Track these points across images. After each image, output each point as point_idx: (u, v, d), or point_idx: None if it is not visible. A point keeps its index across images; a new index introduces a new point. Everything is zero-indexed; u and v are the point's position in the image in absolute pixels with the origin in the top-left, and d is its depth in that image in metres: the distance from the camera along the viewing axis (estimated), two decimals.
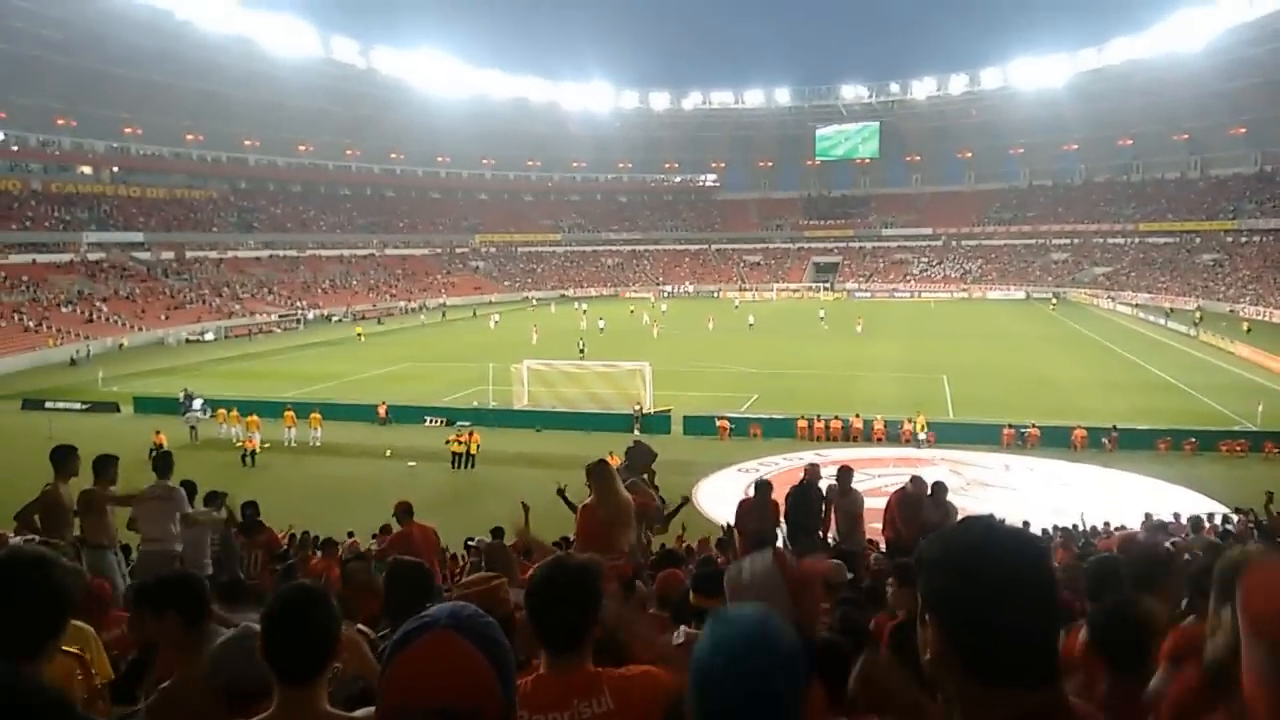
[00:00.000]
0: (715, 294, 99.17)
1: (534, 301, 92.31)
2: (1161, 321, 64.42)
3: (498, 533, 13.87)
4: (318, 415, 32.58)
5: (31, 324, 56.44)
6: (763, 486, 10.22)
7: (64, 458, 8.37)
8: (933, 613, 1.41)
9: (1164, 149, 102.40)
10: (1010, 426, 30.09)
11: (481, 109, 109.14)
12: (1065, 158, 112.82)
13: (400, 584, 4.22)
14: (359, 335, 63.58)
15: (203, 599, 3.33)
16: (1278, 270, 75.63)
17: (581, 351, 47.85)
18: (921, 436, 29.78)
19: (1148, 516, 17.00)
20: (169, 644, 3.20)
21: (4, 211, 72.12)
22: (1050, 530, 16.15)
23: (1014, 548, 1.40)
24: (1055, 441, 29.39)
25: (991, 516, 1.60)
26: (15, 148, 79.11)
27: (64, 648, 2.90)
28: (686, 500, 9.51)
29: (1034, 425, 30.09)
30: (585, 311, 72.89)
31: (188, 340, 61.38)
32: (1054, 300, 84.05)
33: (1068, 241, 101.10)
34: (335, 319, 75.21)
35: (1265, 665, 1.30)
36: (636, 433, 30.05)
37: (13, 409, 38.39)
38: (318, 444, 31.42)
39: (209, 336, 62.56)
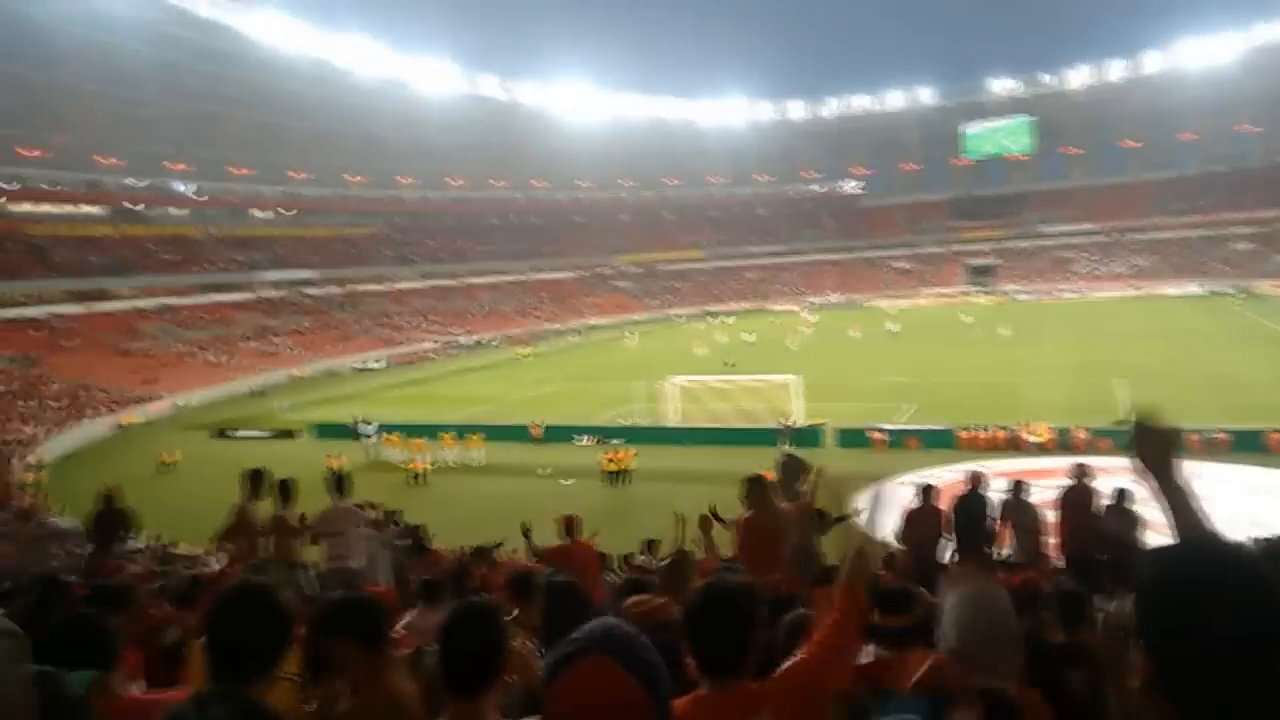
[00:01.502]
0: (862, 303, 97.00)
1: (684, 319, 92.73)
2: None
3: (651, 545, 13.96)
4: (478, 436, 33.77)
5: (216, 359, 61.02)
6: (928, 491, 9.82)
7: (254, 480, 9.03)
8: (1148, 642, 1.29)
9: None
10: (1196, 432, 27.98)
11: (619, 131, 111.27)
12: (1242, 140, 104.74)
13: (555, 603, 4.29)
14: (521, 356, 65.97)
15: (380, 622, 3.34)
16: None
17: (730, 365, 47.71)
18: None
19: None
20: (347, 668, 3.23)
21: (189, 256, 78.45)
22: (1250, 543, 14.88)
23: (1254, 582, 1.25)
24: (1247, 446, 27.14)
25: (1216, 537, 1.44)
26: (198, 197, 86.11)
27: (283, 673, 3.04)
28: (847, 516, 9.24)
29: (1222, 430, 27.89)
30: (730, 324, 72.98)
31: (356, 369, 64.86)
32: (1240, 294, 77.90)
33: (1250, 230, 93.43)
34: (491, 343, 77.85)
35: None
36: (787, 446, 29.64)
37: (203, 438, 41.49)
38: (482, 464, 32.54)
39: (375, 365, 65.91)
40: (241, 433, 41.62)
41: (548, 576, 5.64)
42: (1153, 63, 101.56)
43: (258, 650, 2.33)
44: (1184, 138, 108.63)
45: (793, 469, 8.74)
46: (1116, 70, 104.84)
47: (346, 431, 38.00)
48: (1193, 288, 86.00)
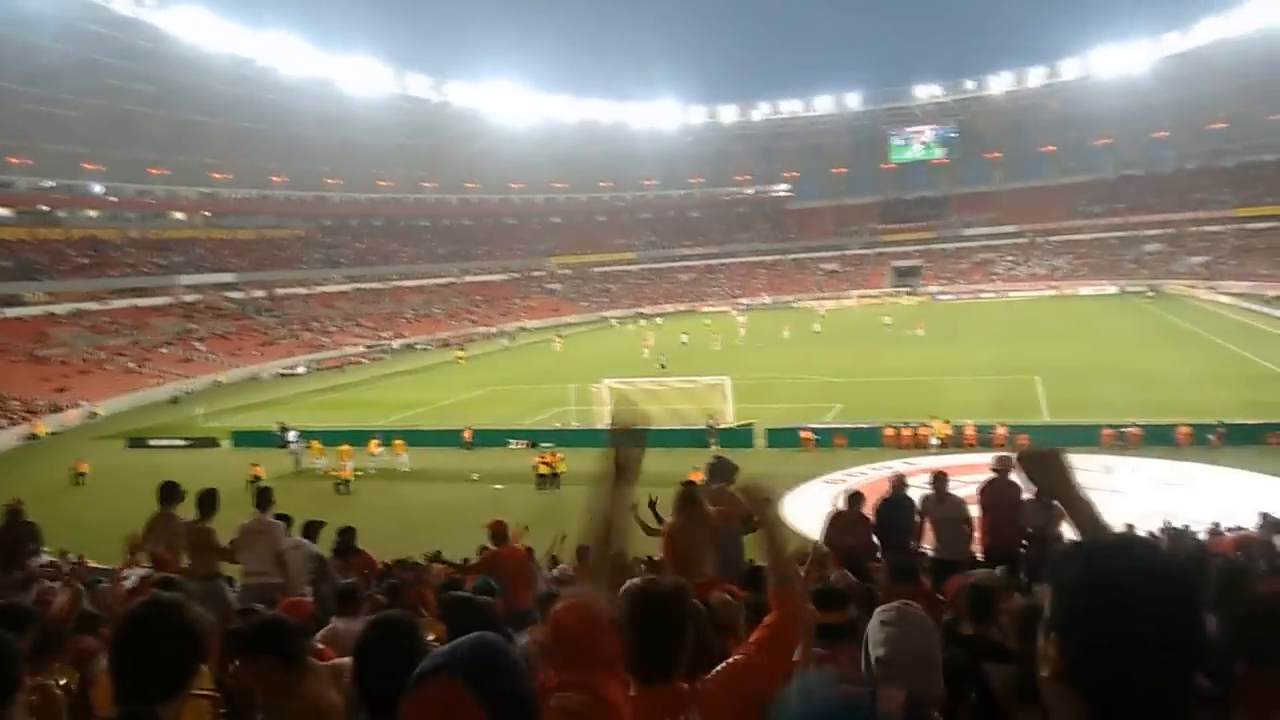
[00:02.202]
0: (793, 304, 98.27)
1: (616, 321, 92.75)
2: (1266, 310, 61.39)
3: (584, 551, 13.92)
4: (401, 442, 33.30)
5: (133, 366, 59.09)
6: (855, 498, 9.91)
7: (171, 494, 8.76)
8: (1061, 636, 1.31)
9: (1260, 130, 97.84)
10: (1110, 426, 28.97)
11: (552, 134, 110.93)
12: (1154, 145, 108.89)
13: (453, 621, 4.27)
14: (459, 359, 65.65)
15: (296, 637, 3.28)
16: None
17: (663, 366, 47.93)
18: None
19: (1264, 516, 16.14)
20: (264, 687, 3.17)
21: (104, 259, 75.87)
22: (1157, 532, 15.44)
23: (1165, 580, 1.27)
24: (1158, 440, 28.18)
25: (1138, 538, 1.47)
26: (113, 198, 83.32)
27: (197, 690, 2.93)
28: (770, 501, 9.28)
29: (1135, 424, 28.92)
30: (661, 325, 73.57)
31: (280, 374, 63.43)
32: (1151, 293, 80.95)
33: (1161, 232, 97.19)
34: (420, 347, 76.83)
35: None
36: (714, 447, 29.96)
37: (119, 448, 40.13)
38: (406, 469, 32.10)
39: (300, 370, 64.56)
40: (159, 442, 40.32)
41: (449, 594, 5.57)
42: (1070, 70, 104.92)
43: (169, 670, 2.21)
44: (1100, 143, 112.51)
45: (719, 471, 8.79)
46: (1036, 77, 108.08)
47: (269, 439, 37.16)
48: (1108, 288, 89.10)
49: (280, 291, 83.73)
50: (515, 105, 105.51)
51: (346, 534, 10.53)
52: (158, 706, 2.14)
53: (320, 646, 4.42)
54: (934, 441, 29.97)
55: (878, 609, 2.84)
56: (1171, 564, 1.32)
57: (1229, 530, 16.03)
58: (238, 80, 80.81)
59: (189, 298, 75.77)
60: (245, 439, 38.59)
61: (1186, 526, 16.59)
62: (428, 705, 1.45)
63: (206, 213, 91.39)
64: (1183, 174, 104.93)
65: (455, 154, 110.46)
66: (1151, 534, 15.00)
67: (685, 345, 60.89)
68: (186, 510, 8.79)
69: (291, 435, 36.11)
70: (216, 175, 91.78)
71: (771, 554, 2.86)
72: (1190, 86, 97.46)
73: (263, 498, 9.24)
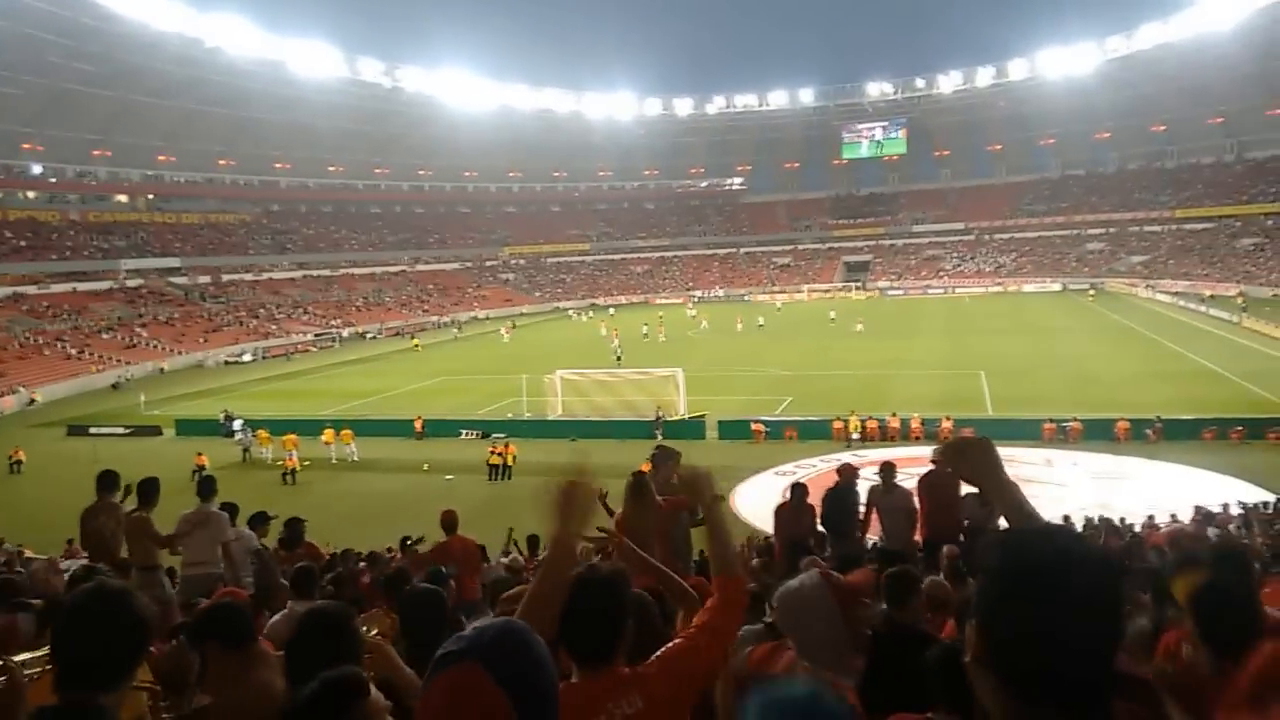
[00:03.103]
0: (745, 297, 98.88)
1: (572, 312, 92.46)
2: (1202, 309, 63.23)
3: (534, 541, 13.92)
4: (349, 432, 32.95)
5: (74, 351, 57.60)
6: (798, 490, 10.06)
7: (109, 483, 8.58)
8: (982, 621, 1.34)
9: (1198, 133, 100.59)
10: (1051, 421, 29.65)
11: (506, 122, 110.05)
12: (1097, 146, 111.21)
13: (411, 611, 4.28)
14: (416, 346, 65.56)
15: (240, 622, 3.25)
16: None
17: (619, 359, 47.90)
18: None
19: (1197, 509, 16.67)
20: (212, 673, 3.14)
21: (44, 242, 73.80)
22: (1095, 522, 15.87)
23: (1086, 569, 1.30)
24: (1098, 434, 28.90)
25: (1063, 528, 1.52)
26: (53, 180, 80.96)
27: (136, 682, 2.89)
28: (720, 497, 9.38)
29: (1076, 419, 29.63)
30: (613, 316, 73.86)
31: (226, 362, 62.31)
32: (1092, 291, 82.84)
33: (1103, 231, 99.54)
34: (370, 336, 75.94)
35: None
36: (659, 438, 30.16)
37: (58, 436, 39.15)
38: (355, 459, 31.77)
39: (247, 358, 63.45)
40: (99, 429, 39.37)
41: (416, 581, 5.56)
42: (1018, 71, 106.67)
43: (111, 659, 2.19)
44: (1045, 143, 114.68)
45: (660, 459, 8.87)
46: (985, 77, 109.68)
47: (214, 428, 36.56)
48: (1051, 285, 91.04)
49: (226, 277, 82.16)
50: (470, 92, 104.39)
51: (294, 526, 10.41)
52: (101, 695, 2.12)
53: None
54: (854, 435, 30.42)
55: (780, 587, 2.92)
56: (1092, 553, 1.35)
57: (1164, 525, 16.52)
58: (184, 61, 78.79)
59: (132, 282, 74.00)
60: (189, 427, 37.91)
61: (1123, 519, 17.09)
62: (448, 688, 1.47)
63: (150, 196, 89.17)
64: (1124, 175, 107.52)
65: (408, 140, 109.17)
66: (1088, 521, 15.42)
67: (646, 338, 61.15)
68: (128, 500, 8.62)
69: (237, 424, 35.55)
70: (161, 158, 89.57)
71: (714, 541, 2.89)
72: (1132, 89, 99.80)
73: (205, 487, 9.10)
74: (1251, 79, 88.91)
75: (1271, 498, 19.07)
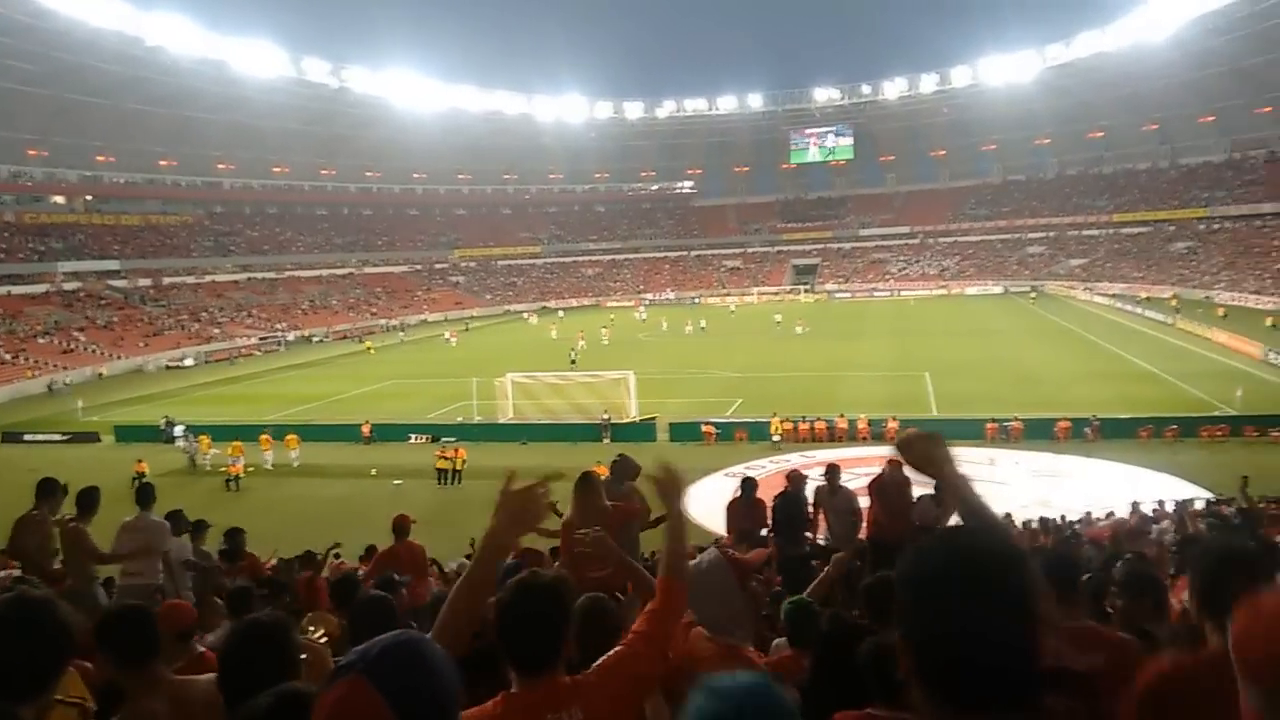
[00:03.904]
0: (696, 300, 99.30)
1: (526, 315, 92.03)
2: (1138, 310, 64.98)
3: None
4: (294, 437, 32.44)
5: (8, 356, 55.89)
6: (748, 485, 10.19)
7: (48, 491, 8.32)
8: (903, 634, 1.34)
9: (1134, 140, 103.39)
10: (993, 420, 30.25)
11: (456, 124, 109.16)
12: (1037, 152, 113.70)
13: (361, 618, 4.25)
14: (369, 349, 65.12)
15: (139, 639, 3.07)
16: (1250, 256, 76.49)
17: (573, 362, 47.74)
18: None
19: (1135, 506, 17.15)
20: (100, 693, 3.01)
21: None
22: (1034, 523, 16.23)
23: (987, 567, 1.29)
24: (1039, 434, 29.55)
25: (970, 530, 1.52)
26: None
27: (65, 696, 2.80)
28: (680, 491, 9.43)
29: (1017, 418, 30.26)
30: (562, 318, 74.06)
31: (167, 367, 60.93)
32: (1033, 294, 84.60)
33: (1043, 235, 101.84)
34: (316, 340, 74.83)
35: (1265, 711, 1.22)
36: (606, 441, 30.26)
37: None
38: (296, 465, 31.28)
39: (189, 362, 62.08)
40: (35, 436, 38.26)
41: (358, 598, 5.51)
42: (961, 77, 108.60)
43: (32, 669, 2.16)
44: (987, 148, 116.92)
45: (622, 469, 8.88)
46: (929, 83, 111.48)
47: (154, 434, 35.76)
48: (993, 288, 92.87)
49: (167, 280, 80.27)
50: (418, 93, 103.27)
51: (234, 537, 10.18)
52: (17, 705, 2.09)
53: (201, 649, 4.30)
54: (775, 437, 30.75)
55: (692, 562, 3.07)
56: (996, 549, 1.35)
57: (1100, 520, 16.96)
58: (124, 60, 76.83)
59: (69, 286, 71.96)
60: (128, 434, 37.02)
61: (1063, 516, 17.51)
62: (330, 703, 1.45)
63: (89, 197, 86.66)
64: (1063, 180, 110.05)
65: (355, 141, 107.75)
66: (1027, 523, 15.77)
67: (605, 344, 61.28)
68: (66, 508, 8.38)
69: (178, 430, 34.81)
70: (100, 158, 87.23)
71: (672, 543, 2.87)
72: (1071, 97, 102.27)
73: (144, 495, 8.89)
74: (1185, 87, 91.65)
75: (1205, 494, 19.68)
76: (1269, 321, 52.51)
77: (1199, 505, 16.56)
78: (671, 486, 2.92)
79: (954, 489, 2.15)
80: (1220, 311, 59.42)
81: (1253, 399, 32.41)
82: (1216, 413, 31.46)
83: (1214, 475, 21.91)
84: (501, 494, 2.47)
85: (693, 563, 2.94)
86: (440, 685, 1.50)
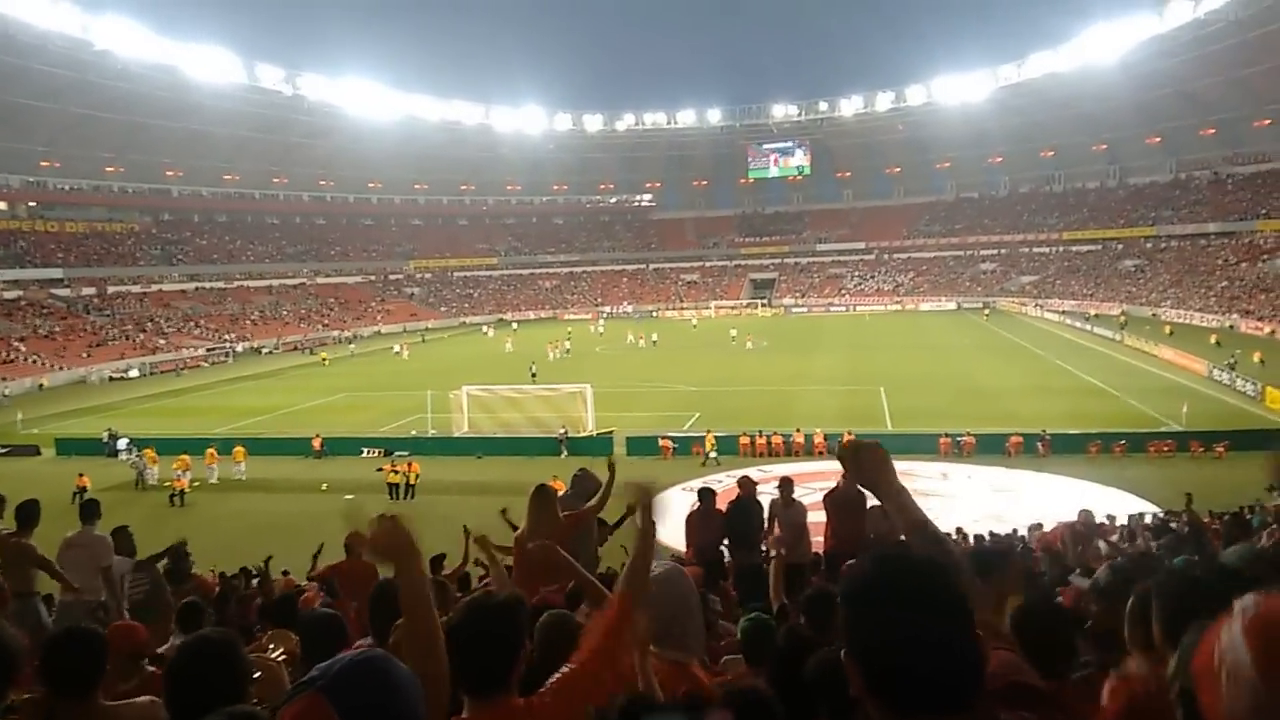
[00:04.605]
0: (654, 314, 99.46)
1: (483, 327, 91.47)
2: (1087, 327, 66.30)
3: (438, 561, 13.58)
4: (241, 449, 31.78)
5: None
6: (706, 494, 10.13)
7: None
8: (849, 650, 1.39)
9: (1084, 159, 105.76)
10: (946, 435, 30.55)
11: (412, 134, 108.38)
12: (990, 170, 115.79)
13: (310, 637, 4.24)
14: (323, 360, 64.38)
15: (84, 668, 2.93)
16: (1195, 275, 78.51)
17: (534, 375, 47.34)
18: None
19: (1083, 513, 17.31)
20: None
21: None
22: (986, 537, 16.34)
23: (919, 577, 1.37)
24: (991, 448, 29.91)
25: (902, 548, 1.58)
26: None
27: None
28: (632, 509, 9.34)
29: (969, 433, 30.60)
30: (515, 331, 73.84)
31: (111, 378, 59.48)
32: (987, 310, 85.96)
33: (995, 252, 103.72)
34: (266, 351, 73.61)
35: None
36: (564, 455, 30.11)
37: None
38: (242, 478, 30.61)
39: (133, 373, 60.69)
40: None
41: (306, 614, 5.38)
42: (916, 96, 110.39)
43: None
44: (941, 166, 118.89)
45: (582, 484, 8.75)
46: (884, 101, 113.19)
47: (97, 447, 34.83)
48: (946, 304, 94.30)
49: (113, 289, 78.56)
50: (374, 102, 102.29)
51: (179, 558, 9.75)
52: None
53: (152, 669, 4.14)
54: (712, 455, 30.76)
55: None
56: (926, 564, 1.41)
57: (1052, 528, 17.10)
58: (71, 64, 75.13)
59: (9, 294, 70.05)
60: (70, 447, 36.02)
61: (1014, 529, 17.67)
62: (289, 718, 1.44)
63: (32, 203, 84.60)
64: (1015, 198, 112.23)
65: (309, 150, 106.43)
66: (979, 537, 15.88)
67: (569, 353, 61.10)
68: (6, 521, 8.07)
69: (122, 443, 33.94)
70: (45, 163, 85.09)
71: (636, 558, 2.85)
72: (1023, 116, 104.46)
73: (87, 510, 8.62)
74: (1133, 109, 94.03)
75: (1153, 508, 19.99)
76: (1213, 339, 53.85)
77: (1148, 520, 16.81)
78: (644, 501, 2.92)
79: (893, 500, 2.19)
80: (1167, 329, 60.83)
81: (1198, 415, 33.14)
82: (1163, 428, 32.11)
83: (1162, 490, 22.28)
84: (369, 544, 2.45)
85: (655, 574, 2.86)
86: (403, 704, 1.50)
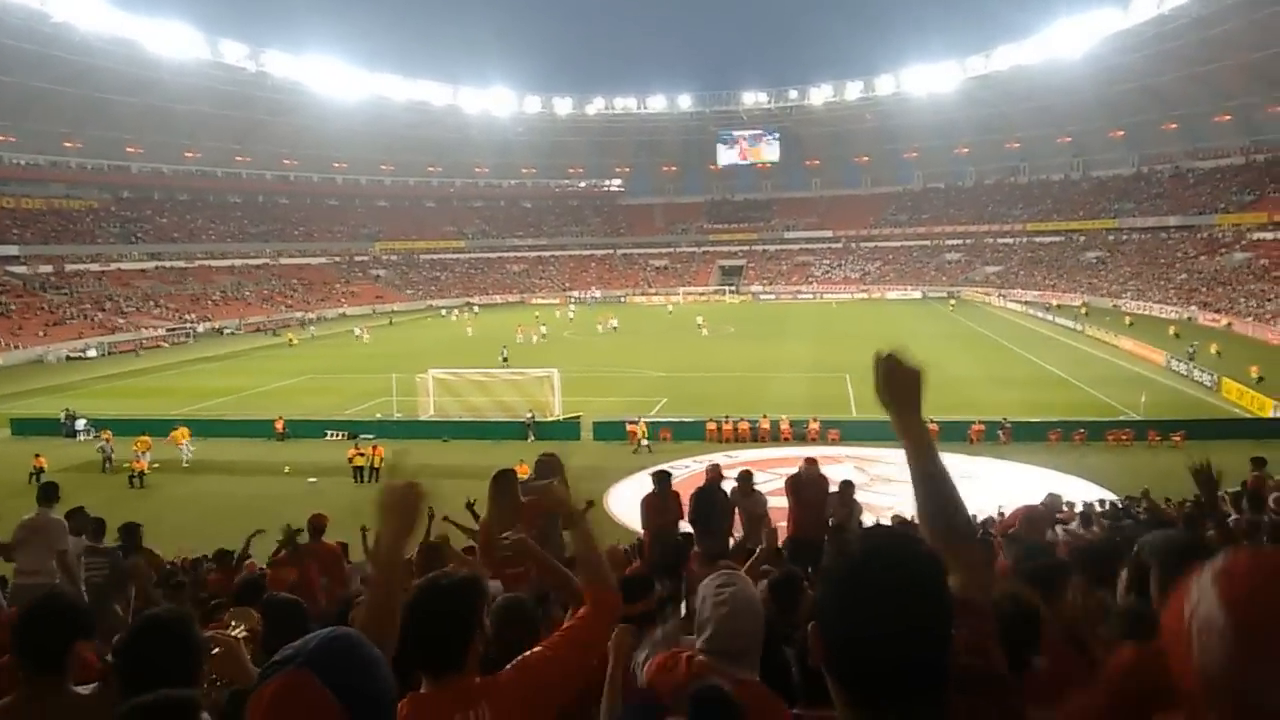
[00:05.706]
0: (622, 299, 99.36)
1: (446, 310, 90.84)
2: (1049, 317, 67.18)
3: (435, 550, 13.49)
4: (185, 429, 31.15)
5: None
6: (662, 478, 10.07)
7: None
8: (816, 622, 1.39)
9: (1049, 152, 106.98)
10: None
11: (379, 113, 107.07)
12: (957, 161, 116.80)
13: (272, 621, 4.24)
14: (290, 341, 63.49)
15: (57, 643, 2.80)
16: (1155, 267, 79.83)
17: (505, 360, 47.03)
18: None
19: (1051, 496, 17.58)
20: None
21: None
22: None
23: (900, 567, 1.35)
24: (953, 436, 30.13)
25: (890, 530, 1.56)
26: None
27: None
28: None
29: (933, 420, 30.78)
30: (477, 314, 73.40)
31: (69, 357, 58.37)
32: (953, 300, 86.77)
33: (960, 242, 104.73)
34: (228, 332, 72.60)
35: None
36: (531, 440, 30.02)
37: None
38: (188, 462, 30.04)
39: (92, 353, 59.57)
40: None
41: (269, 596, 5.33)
42: (885, 85, 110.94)
43: None
44: (909, 156, 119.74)
45: (544, 468, 8.72)
46: (854, 90, 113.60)
47: (54, 427, 34.19)
48: (912, 293, 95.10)
49: (70, 267, 77.02)
50: (340, 80, 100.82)
51: (129, 533, 9.64)
52: None
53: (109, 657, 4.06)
54: (644, 443, 30.58)
55: (709, 579, 2.86)
56: (909, 553, 1.39)
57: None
58: (28, 35, 73.29)
59: None
60: (26, 427, 35.33)
61: (975, 515, 17.92)
62: (274, 695, 1.40)
63: None
64: (981, 189, 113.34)
65: (273, 128, 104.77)
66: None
67: (545, 338, 60.83)
68: None
69: (80, 424, 33.36)
70: (0, 139, 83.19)
71: (580, 551, 2.85)
72: (990, 108, 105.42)
73: (46, 493, 8.51)
74: (1097, 102, 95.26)
75: (1110, 496, 20.34)
76: (1172, 330, 54.82)
77: (1106, 507, 17.11)
78: (555, 503, 2.94)
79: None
80: (1127, 320, 61.81)
81: (1156, 404, 33.77)
82: (1122, 417, 32.68)
83: (1120, 479, 22.68)
84: (383, 492, 2.38)
85: (716, 584, 2.73)
86: (378, 679, 1.49)
